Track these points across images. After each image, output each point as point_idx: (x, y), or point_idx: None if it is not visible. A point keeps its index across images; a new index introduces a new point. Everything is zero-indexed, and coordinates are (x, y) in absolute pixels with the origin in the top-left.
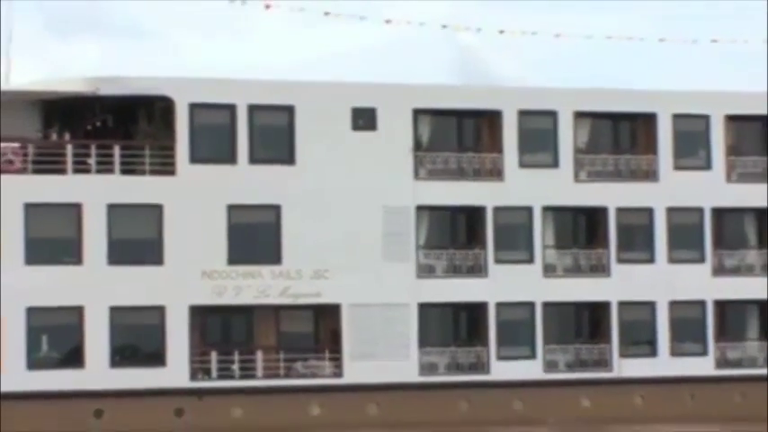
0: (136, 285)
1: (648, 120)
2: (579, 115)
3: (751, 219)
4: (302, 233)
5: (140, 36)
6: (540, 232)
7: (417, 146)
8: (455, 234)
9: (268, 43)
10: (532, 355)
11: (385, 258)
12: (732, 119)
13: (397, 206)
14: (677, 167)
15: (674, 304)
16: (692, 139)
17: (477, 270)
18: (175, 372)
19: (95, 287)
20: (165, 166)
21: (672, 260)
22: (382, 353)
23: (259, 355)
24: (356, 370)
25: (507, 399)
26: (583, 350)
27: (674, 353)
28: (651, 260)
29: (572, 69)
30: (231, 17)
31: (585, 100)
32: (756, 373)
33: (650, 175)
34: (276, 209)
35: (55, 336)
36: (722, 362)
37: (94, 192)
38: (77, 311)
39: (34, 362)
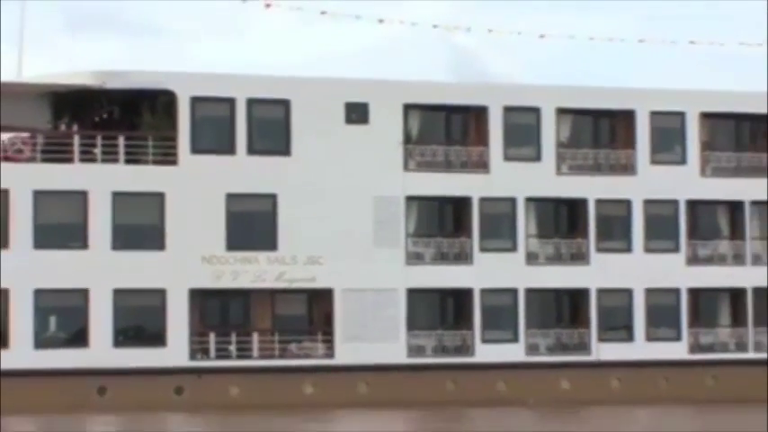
0: (138, 269)
1: (627, 116)
2: (561, 111)
3: (723, 211)
4: (297, 221)
5: (152, 33)
6: (524, 222)
7: (407, 139)
8: (442, 223)
9: (268, 42)
10: (515, 339)
11: (376, 245)
12: (706, 116)
13: (387, 196)
14: (654, 162)
15: (649, 291)
16: (668, 135)
17: (464, 257)
18: (176, 352)
19: (100, 270)
20: (168, 156)
21: (648, 250)
22: (372, 335)
23: (255, 337)
24: (347, 351)
25: (491, 380)
26: (563, 334)
27: (650, 338)
28: (628, 249)
29: (560, 68)
30: (235, 17)
31: (567, 97)
32: (728, 357)
33: (628, 168)
34: (272, 198)
35: (61, 316)
36: (695, 347)
37: (100, 180)
38: (83, 293)
39: (42, 341)
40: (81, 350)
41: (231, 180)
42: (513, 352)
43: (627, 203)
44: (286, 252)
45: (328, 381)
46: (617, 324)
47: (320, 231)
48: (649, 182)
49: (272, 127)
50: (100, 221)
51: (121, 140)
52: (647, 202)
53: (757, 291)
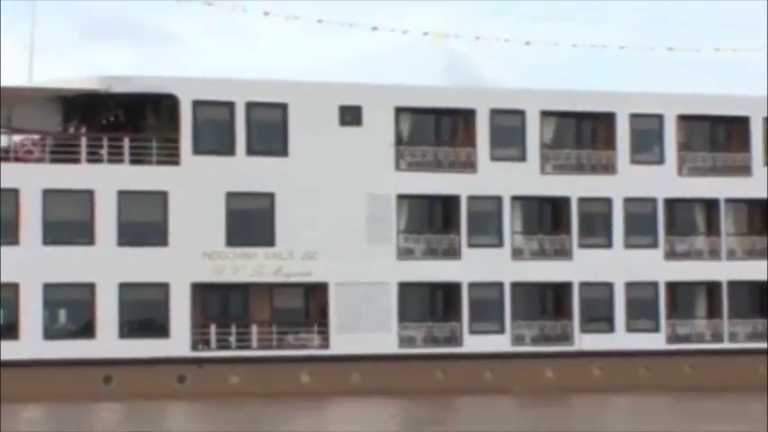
0: (143, 264)
1: (608, 118)
2: (545, 114)
3: (700, 209)
4: (294, 218)
5: (160, 41)
6: (509, 219)
7: (398, 140)
8: (432, 220)
9: (268, 50)
10: (501, 330)
11: (368, 241)
12: (683, 118)
13: (379, 194)
14: (633, 162)
15: (629, 285)
16: (647, 137)
17: (452, 253)
18: (178, 342)
19: (106, 265)
20: (171, 157)
21: (628, 245)
22: (365, 327)
23: (254, 328)
24: (342, 342)
25: (478, 369)
26: (547, 326)
27: (630, 329)
28: (609, 245)
29: (546, 73)
30: (239, 28)
31: (551, 100)
32: (704, 347)
33: (609, 168)
34: (270, 196)
35: (69, 309)
36: (673, 337)
37: (106, 179)
38: (90, 287)
39: (50, 332)
40: (88, 341)
41: (231, 179)
42: (500, 342)
43: (608, 201)
44: (283, 248)
45: (324, 370)
46: (598, 316)
47: (316, 228)
48: (629, 181)
49: (270, 129)
50: (106, 219)
51: (126, 142)
52: (627, 200)
53: (732, 284)
